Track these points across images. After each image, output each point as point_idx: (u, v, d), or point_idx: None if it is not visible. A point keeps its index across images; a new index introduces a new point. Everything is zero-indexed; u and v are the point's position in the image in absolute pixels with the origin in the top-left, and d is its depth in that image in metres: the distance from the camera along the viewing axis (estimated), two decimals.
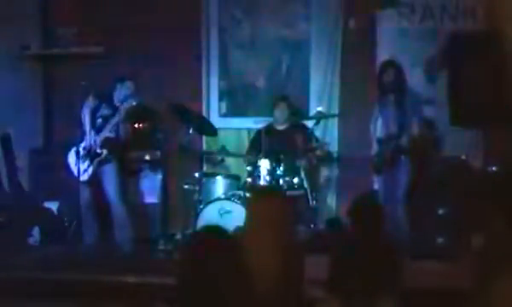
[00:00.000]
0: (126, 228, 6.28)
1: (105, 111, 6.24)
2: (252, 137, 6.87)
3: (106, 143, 6.18)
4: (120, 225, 6.25)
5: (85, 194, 6.23)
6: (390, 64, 6.11)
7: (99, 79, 6.47)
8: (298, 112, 6.83)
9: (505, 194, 2.81)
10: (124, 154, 6.48)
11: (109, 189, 6.21)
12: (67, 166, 6.29)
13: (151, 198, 6.95)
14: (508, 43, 5.91)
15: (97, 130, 6.20)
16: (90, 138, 6.20)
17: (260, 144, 6.50)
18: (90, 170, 6.17)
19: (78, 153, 6.13)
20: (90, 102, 6.26)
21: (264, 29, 7.27)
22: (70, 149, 6.27)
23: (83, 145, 6.21)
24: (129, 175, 6.76)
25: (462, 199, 5.81)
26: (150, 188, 6.96)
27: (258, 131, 6.70)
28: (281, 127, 6.65)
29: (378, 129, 6.11)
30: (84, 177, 6.18)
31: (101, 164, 6.19)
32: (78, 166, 6.11)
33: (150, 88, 7.13)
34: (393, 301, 3.52)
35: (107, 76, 6.56)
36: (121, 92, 6.23)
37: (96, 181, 6.22)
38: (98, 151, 6.16)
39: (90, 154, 6.16)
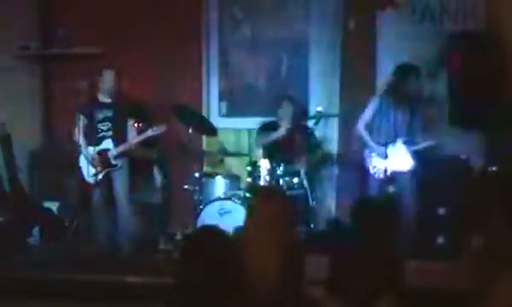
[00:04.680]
0: (131, 228, 6.29)
1: (100, 115, 6.19)
2: (259, 129, 6.81)
3: (123, 155, 6.19)
4: (125, 224, 6.24)
5: (95, 196, 6.23)
6: (412, 69, 6.01)
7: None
8: (304, 112, 6.82)
9: (505, 194, 2.82)
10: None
11: (119, 190, 6.22)
12: (78, 168, 6.25)
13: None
14: (507, 43, 5.92)
15: (106, 137, 6.18)
16: (104, 144, 6.19)
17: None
18: (100, 175, 6.17)
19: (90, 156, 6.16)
20: (82, 121, 6.21)
21: (264, 29, 7.26)
22: (73, 150, 6.28)
23: (93, 150, 6.17)
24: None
25: (462, 200, 5.80)
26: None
27: (264, 126, 6.69)
28: (284, 126, 6.63)
29: (383, 131, 6.09)
30: (92, 181, 6.19)
31: (113, 171, 6.21)
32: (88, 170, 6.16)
33: (150, 88, 7.14)
34: (393, 301, 3.52)
35: None
36: (105, 84, 6.18)
37: (105, 181, 6.22)
38: (113, 162, 6.15)
39: (103, 162, 6.15)
